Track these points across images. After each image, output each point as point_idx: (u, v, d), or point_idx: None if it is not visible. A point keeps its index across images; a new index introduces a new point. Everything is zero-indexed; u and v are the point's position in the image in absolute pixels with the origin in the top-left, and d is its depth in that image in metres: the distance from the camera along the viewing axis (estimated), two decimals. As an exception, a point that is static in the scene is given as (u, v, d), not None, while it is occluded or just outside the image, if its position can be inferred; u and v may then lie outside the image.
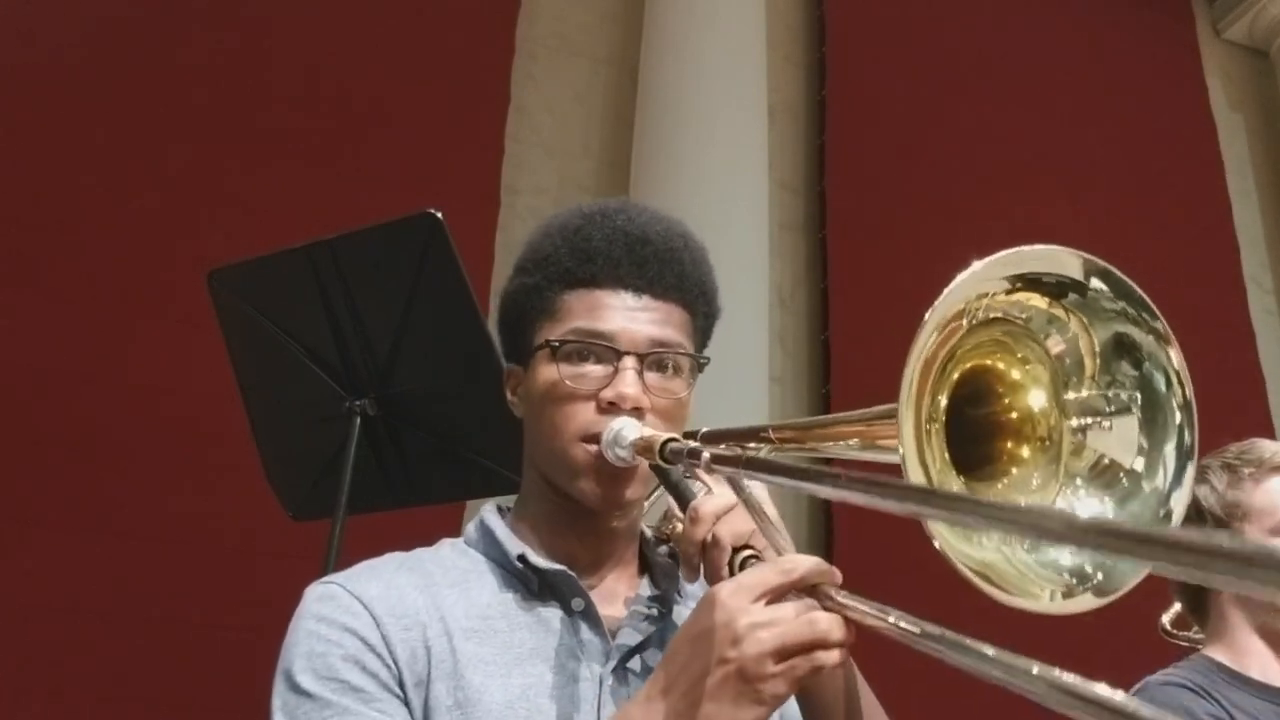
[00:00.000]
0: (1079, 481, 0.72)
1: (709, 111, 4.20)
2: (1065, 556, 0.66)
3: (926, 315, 0.65)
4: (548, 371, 0.96)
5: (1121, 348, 0.71)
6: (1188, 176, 5.36)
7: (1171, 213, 5.09)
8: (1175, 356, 0.70)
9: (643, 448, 0.89)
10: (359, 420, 1.88)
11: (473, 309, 1.81)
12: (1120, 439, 0.71)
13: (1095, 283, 0.70)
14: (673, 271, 0.99)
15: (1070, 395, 0.73)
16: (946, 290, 0.65)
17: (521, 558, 0.95)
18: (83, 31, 3.62)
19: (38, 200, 3.34)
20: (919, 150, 4.78)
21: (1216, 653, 1.52)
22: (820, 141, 4.80)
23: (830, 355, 4.32)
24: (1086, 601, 0.65)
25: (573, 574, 0.94)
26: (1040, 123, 5.07)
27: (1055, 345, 0.73)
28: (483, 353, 1.80)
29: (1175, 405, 0.69)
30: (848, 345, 4.26)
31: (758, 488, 0.82)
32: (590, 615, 0.93)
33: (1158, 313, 0.70)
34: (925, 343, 0.65)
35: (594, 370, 0.95)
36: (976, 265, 0.66)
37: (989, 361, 0.73)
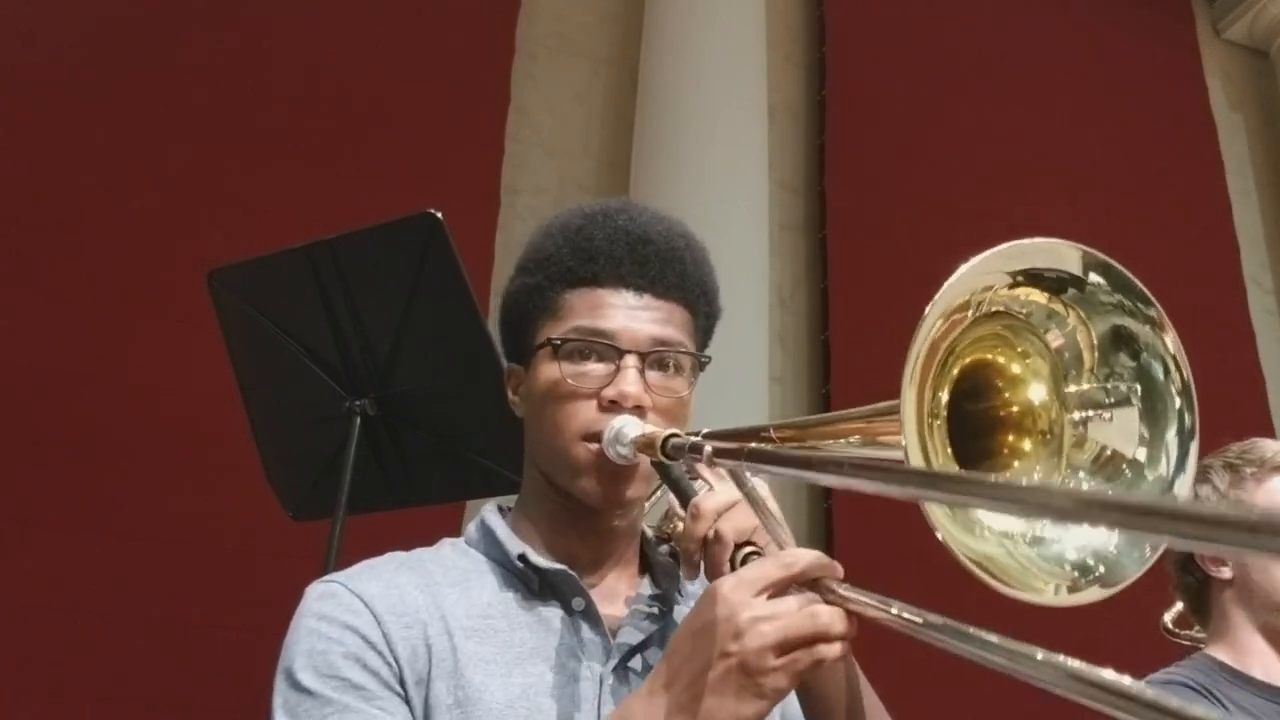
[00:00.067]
0: (1082, 474, 0.72)
1: (709, 111, 4.20)
2: (1068, 549, 0.66)
3: (929, 304, 0.65)
4: (549, 370, 0.96)
5: (1119, 340, 0.71)
6: (1188, 176, 5.36)
7: (1171, 213, 5.09)
8: (1171, 341, 0.70)
9: (644, 444, 0.89)
10: (359, 420, 1.88)
11: (473, 309, 1.81)
12: (1121, 430, 0.71)
13: (1093, 277, 0.70)
14: (674, 271, 0.99)
15: (1070, 389, 0.73)
16: (951, 279, 0.65)
17: (522, 557, 0.95)
18: (83, 31, 3.62)
19: (38, 200, 3.34)
20: (919, 150, 4.78)
21: (1218, 652, 1.52)
22: (820, 141, 4.80)
23: (830, 355, 4.32)
24: (1089, 595, 0.65)
25: (573, 573, 0.94)
26: (1040, 123, 5.07)
27: (1055, 339, 0.73)
28: (483, 353, 1.80)
29: (1174, 391, 0.70)
30: (848, 345, 4.26)
31: (759, 483, 0.82)
32: (591, 614, 0.93)
33: (1153, 299, 0.70)
34: (931, 328, 0.65)
35: (596, 369, 0.95)
36: (979, 256, 0.66)
37: (989, 356, 0.73)
